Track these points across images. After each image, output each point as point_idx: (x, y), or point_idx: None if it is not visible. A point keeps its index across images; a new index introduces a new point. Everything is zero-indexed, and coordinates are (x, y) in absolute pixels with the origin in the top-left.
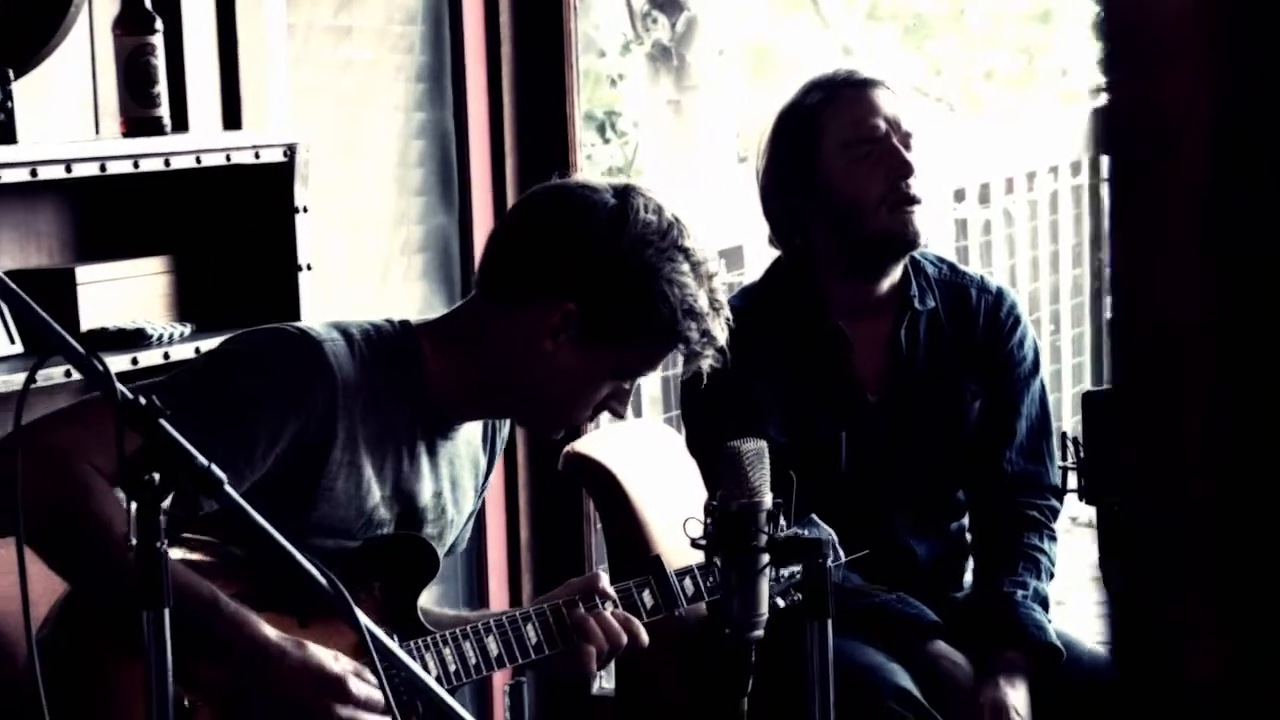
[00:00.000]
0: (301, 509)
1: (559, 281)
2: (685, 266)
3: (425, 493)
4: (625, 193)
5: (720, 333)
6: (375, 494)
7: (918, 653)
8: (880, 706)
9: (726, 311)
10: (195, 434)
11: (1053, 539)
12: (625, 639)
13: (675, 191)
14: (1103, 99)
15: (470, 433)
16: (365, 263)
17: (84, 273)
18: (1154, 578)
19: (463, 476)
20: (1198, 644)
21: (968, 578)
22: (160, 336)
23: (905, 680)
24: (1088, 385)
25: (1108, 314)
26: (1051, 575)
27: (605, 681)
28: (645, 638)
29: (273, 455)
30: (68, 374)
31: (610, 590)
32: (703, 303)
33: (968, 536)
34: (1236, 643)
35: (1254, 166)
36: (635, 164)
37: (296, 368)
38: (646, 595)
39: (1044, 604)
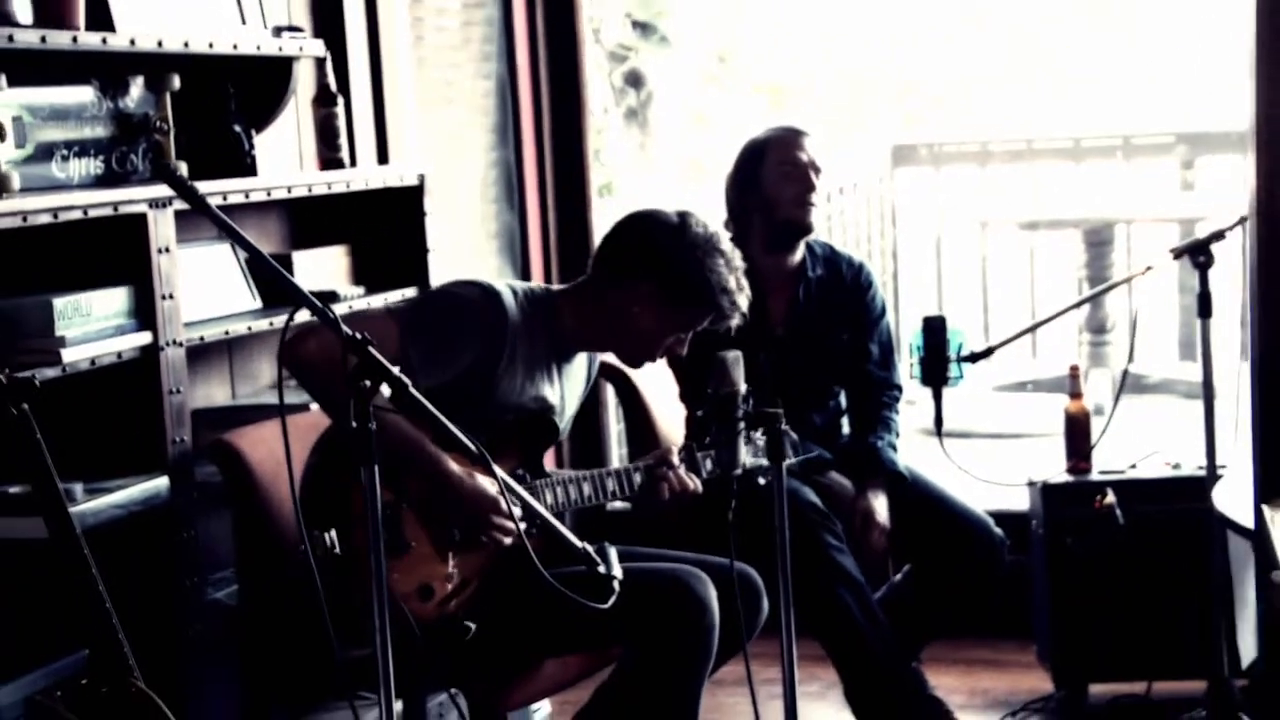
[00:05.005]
0: (483, 398)
1: (643, 269)
2: (721, 261)
3: (554, 397)
4: (684, 215)
5: (744, 303)
6: (526, 395)
7: (819, 479)
8: (798, 513)
9: (748, 289)
10: (415, 346)
11: (897, 413)
12: (690, 484)
13: (639, 198)
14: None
15: (580, 359)
16: (463, 246)
17: (297, 256)
18: None
19: (574, 388)
20: None
21: (845, 433)
22: (344, 295)
23: (813, 496)
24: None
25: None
26: (898, 434)
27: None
28: (700, 490)
29: (463, 363)
30: (289, 319)
31: (676, 459)
32: (733, 284)
33: (843, 408)
34: None
35: None
36: (614, 184)
37: (485, 308)
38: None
39: (894, 449)
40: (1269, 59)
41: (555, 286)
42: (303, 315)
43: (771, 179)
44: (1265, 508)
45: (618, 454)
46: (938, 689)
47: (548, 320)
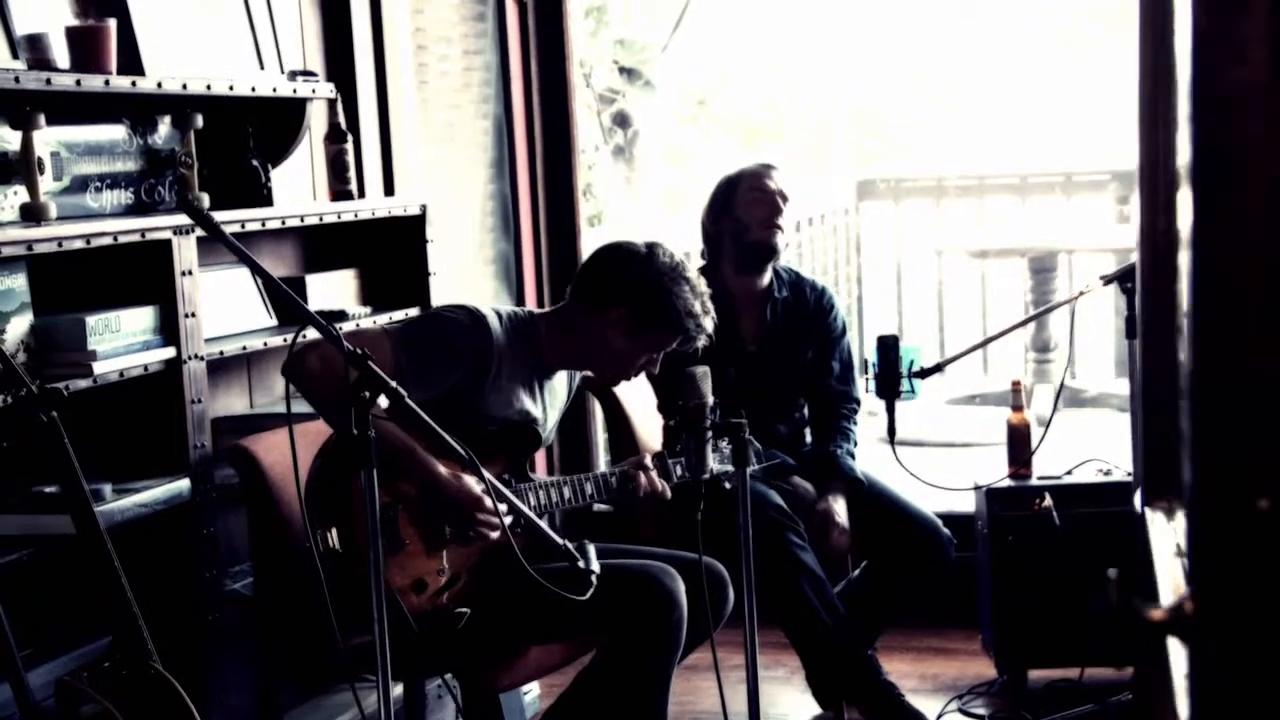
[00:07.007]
0: (473, 409)
1: (616, 297)
2: (686, 288)
3: (536, 411)
4: (652, 246)
5: (709, 325)
6: (510, 408)
7: (784, 483)
8: (764, 514)
9: (713, 313)
10: (410, 361)
11: (855, 424)
12: (660, 488)
13: (626, 227)
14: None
15: (561, 376)
16: (462, 271)
17: (310, 279)
18: None
19: (555, 402)
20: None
21: (808, 441)
22: (353, 314)
23: (778, 499)
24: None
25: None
26: (856, 443)
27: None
28: (669, 494)
29: (451, 380)
30: (299, 335)
31: (650, 464)
32: (698, 308)
33: (806, 419)
34: None
35: None
36: (603, 214)
37: (472, 330)
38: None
39: (852, 456)
40: (1150, 112)
41: (537, 310)
42: (310, 332)
43: (743, 204)
44: (1147, 510)
45: (603, 460)
46: (891, 674)
47: (530, 341)
